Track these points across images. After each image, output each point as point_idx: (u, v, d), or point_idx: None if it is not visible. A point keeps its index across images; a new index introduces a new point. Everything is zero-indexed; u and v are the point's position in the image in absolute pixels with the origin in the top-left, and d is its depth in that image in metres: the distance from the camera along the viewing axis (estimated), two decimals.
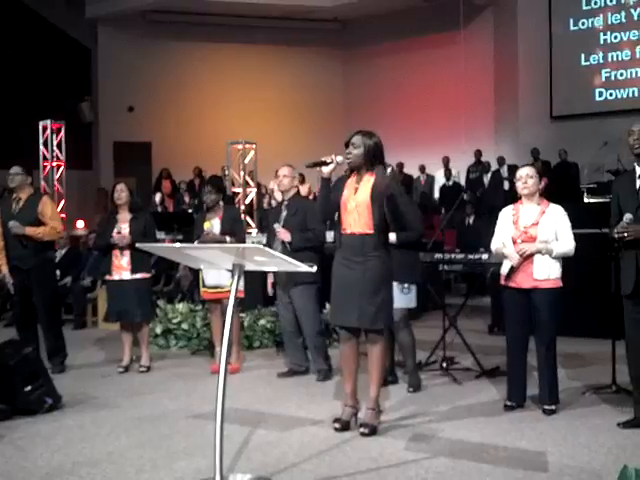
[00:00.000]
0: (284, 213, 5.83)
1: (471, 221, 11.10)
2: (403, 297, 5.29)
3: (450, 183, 13.84)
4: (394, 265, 5.15)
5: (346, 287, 4.27)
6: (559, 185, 12.26)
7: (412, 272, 5.36)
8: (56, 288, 6.82)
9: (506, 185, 12.92)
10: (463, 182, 14.35)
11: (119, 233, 6.15)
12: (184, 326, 7.42)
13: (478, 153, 14.20)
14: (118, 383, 5.89)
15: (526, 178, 4.75)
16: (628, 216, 4.21)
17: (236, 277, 3.44)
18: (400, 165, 13.85)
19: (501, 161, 13.61)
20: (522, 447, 4.06)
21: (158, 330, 7.37)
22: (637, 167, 4.37)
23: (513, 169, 12.83)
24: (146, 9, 16.29)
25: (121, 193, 6.28)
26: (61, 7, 16.50)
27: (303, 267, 3.39)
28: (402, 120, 16.01)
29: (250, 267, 3.50)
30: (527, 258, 4.63)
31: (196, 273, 9.13)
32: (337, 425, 4.41)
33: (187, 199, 12.89)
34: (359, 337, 4.47)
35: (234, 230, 6.11)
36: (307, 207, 5.82)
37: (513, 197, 4.95)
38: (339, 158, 4.32)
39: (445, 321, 6.13)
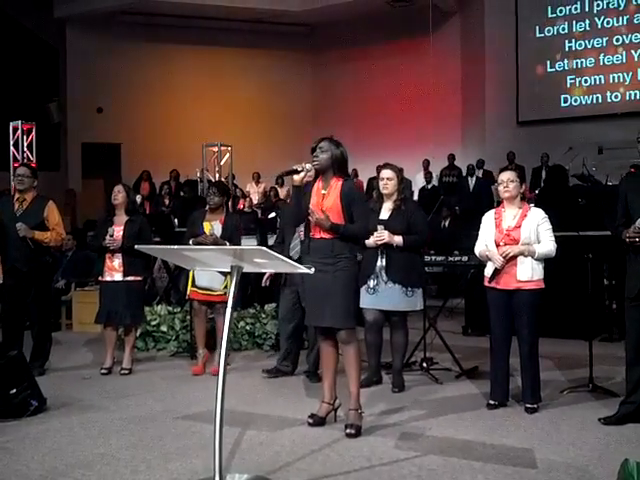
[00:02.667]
0: None
1: (447, 224, 11.19)
2: (406, 299, 5.33)
3: (429, 187, 13.72)
4: (398, 268, 5.26)
5: (318, 289, 4.35)
6: (554, 189, 12.31)
7: (414, 275, 5.37)
8: (51, 292, 6.76)
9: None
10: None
11: (111, 237, 6.13)
12: (163, 328, 7.42)
13: (452, 157, 14.21)
14: (101, 385, 5.86)
15: (507, 182, 4.87)
16: None
17: (234, 279, 3.47)
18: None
19: (480, 164, 13.59)
20: (509, 444, 4.15)
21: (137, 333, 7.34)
22: None
23: (488, 174, 12.96)
24: (115, 10, 16.15)
25: (117, 194, 6.28)
26: (29, 7, 16.25)
27: (302, 269, 3.45)
28: (371, 124, 16.16)
29: (248, 269, 3.54)
30: (510, 260, 4.75)
31: (172, 275, 9.16)
32: (310, 420, 4.52)
33: (167, 201, 12.80)
34: (335, 335, 4.51)
35: (232, 237, 6.14)
36: None
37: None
38: (308, 165, 4.44)
39: (425, 322, 6.24)
